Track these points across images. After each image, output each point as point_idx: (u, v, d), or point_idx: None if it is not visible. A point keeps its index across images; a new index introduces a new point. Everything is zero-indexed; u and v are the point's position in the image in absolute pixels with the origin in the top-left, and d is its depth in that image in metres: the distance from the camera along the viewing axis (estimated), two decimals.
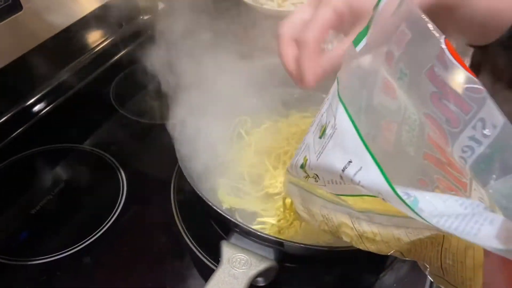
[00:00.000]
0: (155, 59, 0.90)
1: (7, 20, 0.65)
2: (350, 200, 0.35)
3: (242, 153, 0.65)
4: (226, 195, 0.59)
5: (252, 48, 0.95)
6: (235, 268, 0.43)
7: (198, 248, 0.57)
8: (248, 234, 0.47)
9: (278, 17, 1.08)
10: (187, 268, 0.55)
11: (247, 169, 0.62)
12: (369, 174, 0.28)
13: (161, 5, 1.04)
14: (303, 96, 0.70)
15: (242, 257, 0.44)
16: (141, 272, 0.54)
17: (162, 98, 0.81)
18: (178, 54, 0.90)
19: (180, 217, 0.60)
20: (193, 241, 0.57)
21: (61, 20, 0.77)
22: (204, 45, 0.93)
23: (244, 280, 0.43)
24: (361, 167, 0.29)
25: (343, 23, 0.42)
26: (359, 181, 0.29)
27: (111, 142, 0.71)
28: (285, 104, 0.70)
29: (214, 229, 0.59)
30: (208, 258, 0.56)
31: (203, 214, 0.61)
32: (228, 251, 0.45)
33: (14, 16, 0.65)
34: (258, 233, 0.46)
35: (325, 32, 0.41)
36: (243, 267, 0.43)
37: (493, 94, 0.26)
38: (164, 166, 0.67)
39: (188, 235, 0.58)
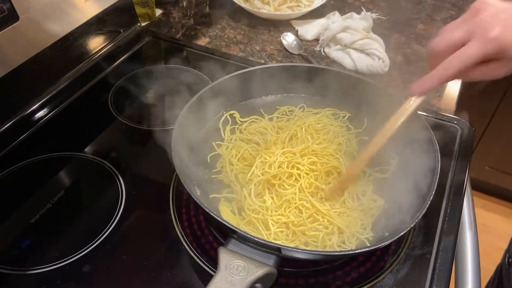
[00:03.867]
0: (152, 66, 0.91)
1: (4, 30, 0.65)
2: None
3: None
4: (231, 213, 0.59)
5: (248, 52, 0.95)
6: (233, 275, 0.43)
7: (198, 255, 0.57)
8: (246, 240, 0.47)
9: (274, 21, 1.09)
10: (187, 274, 0.55)
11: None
12: None
13: (158, 12, 1.05)
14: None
15: (240, 263, 0.44)
16: (141, 279, 0.54)
17: (159, 104, 0.81)
18: (174, 60, 0.91)
19: (179, 224, 0.60)
20: (192, 248, 0.57)
21: (59, 29, 0.77)
22: (202, 50, 0.94)
23: (242, 287, 0.43)
24: None
25: (485, 59, 0.47)
26: None
27: (110, 149, 0.72)
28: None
29: (213, 235, 0.59)
30: (207, 264, 0.56)
31: (202, 220, 0.61)
32: (225, 257, 0.45)
33: (10, 26, 0.66)
34: (256, 239, 0.46)
35: (463, 68, 0.47)
36: (241, 274, 0.43)
37: None
38: (163, 172, 0.67)
39: (187, 241, 0.58)
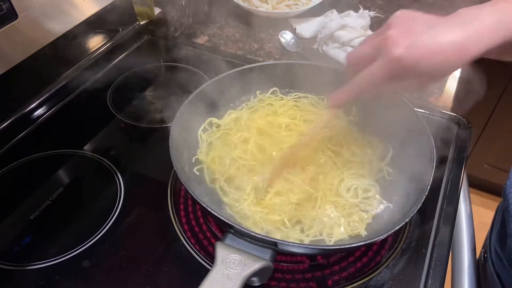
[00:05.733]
0: (150, 64, 0.91)
1: (3, 28, 0.66)
2: None
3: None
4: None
5: (246, 50, 0.95)
6: (229, 269, 0.44)
7: (196, 250, 0.57)
8: (242, 234, 0.47)
9: (272, 19, 1.10)
10: (185, 269, 0.56)
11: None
12: None
13: (157, 11, 1.05)
14: None
15: (236, 257, 0.45)
16: (139, 274, 0.55)
17: (158, 102, 0.82)
18: (173, 58, 0.91)
19: (177, 220, 0.61)
20: (190, 243, 0.58)
21: (58, 27, 0.78)
22: (200, 48, 0.94)
23: (238, 280, 0.43)
24: None
25: (392, 78, 0.46)
26: None
27: (109, 147, 0.72)
28: None
29: (211, 231, 0.60)
30: (205, 259, 0.56)
31: (200, 216, 0.61)
32: (222, 252, 0.45)
33: (9, 24, 0.66)
34: (252, 233, 0.46)
35: (372, 85, 0.47)
36: (237, 268, 0.44)
37: None
38: (161, 169, 0.67)
39: (185, 237, 0.59)
